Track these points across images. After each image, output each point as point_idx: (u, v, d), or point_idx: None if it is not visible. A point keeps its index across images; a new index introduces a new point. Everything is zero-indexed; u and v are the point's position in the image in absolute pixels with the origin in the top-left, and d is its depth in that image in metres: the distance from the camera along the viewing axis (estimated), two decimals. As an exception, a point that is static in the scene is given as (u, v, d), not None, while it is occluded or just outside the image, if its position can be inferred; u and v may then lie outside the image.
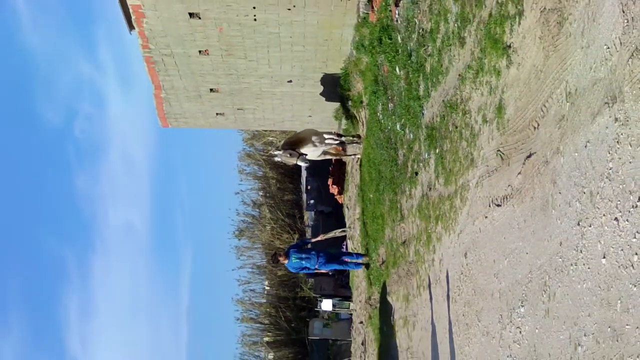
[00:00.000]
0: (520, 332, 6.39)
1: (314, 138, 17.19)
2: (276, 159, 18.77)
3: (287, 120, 22.56)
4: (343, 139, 18.98)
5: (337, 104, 21.01)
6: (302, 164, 17.42)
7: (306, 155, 17.27)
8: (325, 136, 18.19)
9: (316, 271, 16.45)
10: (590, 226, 4.98)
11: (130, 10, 16.97)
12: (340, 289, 26.67)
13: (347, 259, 17.17)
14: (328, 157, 19.27)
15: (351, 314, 23.47)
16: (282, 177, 39.80)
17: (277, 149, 17.88)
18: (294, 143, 17.06)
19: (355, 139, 18.87)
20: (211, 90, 20.49)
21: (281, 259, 15.68)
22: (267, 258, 41.30)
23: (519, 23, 6.58)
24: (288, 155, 16.78)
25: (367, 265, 16.74)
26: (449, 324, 9.05)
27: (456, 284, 8.82)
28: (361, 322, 19.65)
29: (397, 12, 12.67)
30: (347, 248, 24.63)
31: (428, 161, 10.45)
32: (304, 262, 15.64)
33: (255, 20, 17.30)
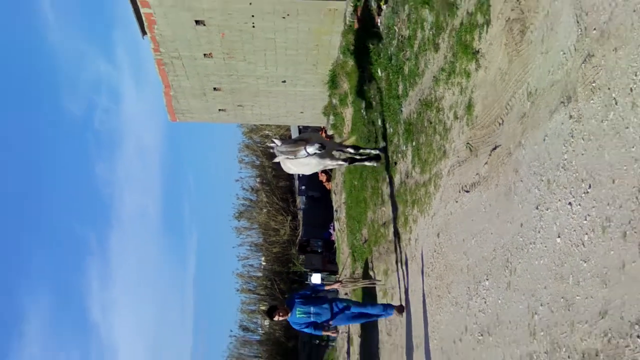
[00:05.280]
0: (485, 302, 6.41)
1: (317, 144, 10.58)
2: (278, 158, 11.18)
3: (282, 115, 22.52)
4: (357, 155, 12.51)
5: (325, 102, 20.95)
6: (313, 150, 10.49)
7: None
8: (335, 154, 11.87)
9: (327, 329, 10.15)
10: (547, 210, 5.00)
11: (143, 18, 16.87)
12: (328, 264, 26.77)
13: (370, 312, 10.54)
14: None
15: (337, 287, 23.40)
16: (278, 166, 39.68)
17: (276, 147, 10.90)
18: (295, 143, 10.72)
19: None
20: (214, 89, 20.41)
21: (279, 315, 9.70)
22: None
23: (487, 31, 6.57)
24: (293, 145, 10.68)
25: (400, 309, 10.43)
26: (423, 295, 9.06)
27: (430, 260, 8.82)
28: (346, 294, 19.67)
29: (379, 20, 12.62)
30: (334, 228, 24.57)
31: (406, 152, 10.44)
32: (312, 317, 9.83)
33: (253, 27, 17.22)
